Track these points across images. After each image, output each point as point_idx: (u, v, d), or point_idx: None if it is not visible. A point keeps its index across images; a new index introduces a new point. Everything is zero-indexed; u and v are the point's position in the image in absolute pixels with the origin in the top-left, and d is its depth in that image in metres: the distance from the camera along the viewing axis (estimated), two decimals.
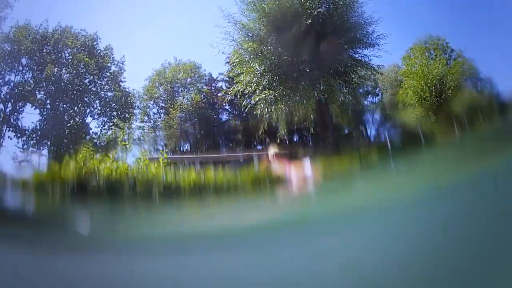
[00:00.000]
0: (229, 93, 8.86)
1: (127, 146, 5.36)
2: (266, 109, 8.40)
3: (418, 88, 10.99)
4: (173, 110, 27.23)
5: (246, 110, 9.18)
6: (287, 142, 21.48)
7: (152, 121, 29.27)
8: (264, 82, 8.09)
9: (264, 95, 7.81)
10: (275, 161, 6.86)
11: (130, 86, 33.15)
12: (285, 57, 7.72)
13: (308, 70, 7.48)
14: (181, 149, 26.26)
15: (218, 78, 26.30)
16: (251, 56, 8.18)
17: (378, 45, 8.30)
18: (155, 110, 29.17)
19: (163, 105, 29.01)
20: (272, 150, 7.34)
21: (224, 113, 28.99)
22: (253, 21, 8.02)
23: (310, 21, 7.58)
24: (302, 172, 6.11)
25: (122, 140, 5.40)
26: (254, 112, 8.76)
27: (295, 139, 23.85)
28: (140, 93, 27.99)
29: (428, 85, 10.82)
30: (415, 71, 11.35)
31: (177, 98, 28.38)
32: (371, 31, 8.30)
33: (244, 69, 8.54)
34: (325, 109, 8.61)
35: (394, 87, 16.71)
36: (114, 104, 22.55)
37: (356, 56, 8.66)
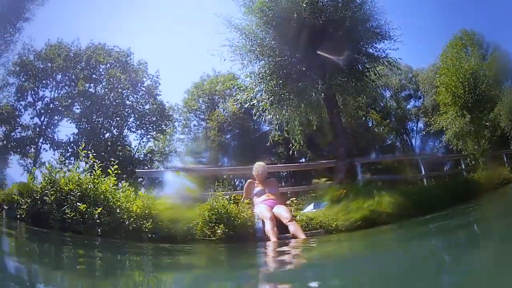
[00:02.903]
0: (237, 100, 8.27)
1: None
2: (269, 116, 7.68)
3: (451, 86, 9.53)
4: (211, 121, 27.47)
5: (256, 118, 8.47)
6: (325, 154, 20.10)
7: (192, 133, 29.89)
8: (264, 86, 7.41)
9: (258, 100, 7.12)
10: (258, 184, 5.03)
11: (170, 99, 34.67)
12: (284, 58, 6.96)
13: (304, 69, 6.61)
14: (221, 162, 26.08)
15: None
16: (251, 60, 7.58)
17: (391, 37, 7.11)
18: (195, 122, 29.83)
19: (202, 117, 29.50)
20: (257, 167, 5.17)
21: (265, 124, 28.16)
22: (252, 23, 7.43)
23: (308, 15, 6.75)
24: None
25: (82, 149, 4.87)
26: (255, 118, 8.06)
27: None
28: (179, 106, 28.82)
29: (461, 80, 9.32)
30: (447, 67, 9.88)
31: (217, 109, 28.64)
32: (383, 22, 7.18)
33: (247, 73, 7.97)
34: (335, 113, 7.61)
35: (434, 87, 14.97)
36: (149, 116, 23.33)
37: (370, 50, 7.55)
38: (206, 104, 29.48)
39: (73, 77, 19.61)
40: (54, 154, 18.93)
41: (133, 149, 24.16)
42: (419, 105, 23.03)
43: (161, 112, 24.24)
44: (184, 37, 41.10)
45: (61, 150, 18.98)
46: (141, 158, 24.39)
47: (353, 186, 6.35)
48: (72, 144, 19.11)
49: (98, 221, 3.52)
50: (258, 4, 6.88)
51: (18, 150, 18.55)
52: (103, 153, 20.45)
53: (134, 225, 3.64)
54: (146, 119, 23.00)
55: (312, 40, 6.94)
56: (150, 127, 24.14)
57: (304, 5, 6.43)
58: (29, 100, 19.31)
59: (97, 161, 4.18)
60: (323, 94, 6.56)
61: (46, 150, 19.44)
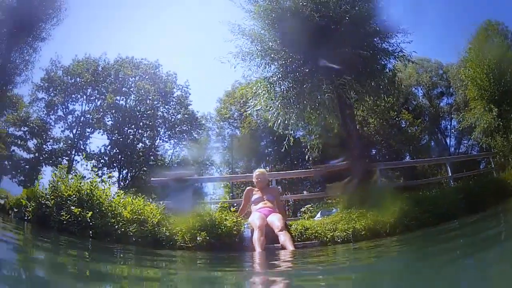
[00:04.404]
0: (252, 108, 8.18)
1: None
2: (279, 120, 7.57)
3: (476, 78, 8.80)
4: (243, 129, 27.50)
5: (270, 124, 8.31)
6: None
7: (226, 141, 30.15)
8: (273, 90, 7.34)
9: (265, 105, 7.04)
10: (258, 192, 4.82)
11: (203, 109, 35.14)
12: (289, 60, 6.84)
13: (308, 70, 6.42)
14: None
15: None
16: (260, 65, 7.54)
17: (403, 30, 6.71)
18: (229, 131, 30.10)
19: (236, 124, 29.71)
20: (257, 174, 4.98)
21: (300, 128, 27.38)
22: (256, 27, 7.38)
23: (310, 13, 6.59)
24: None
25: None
26: (269, 125, 7.97)
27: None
28: (212, 115, 29.25)
29: (486, 72, 8.57)
30: (471, 59, 9.16)
31: (249, 117, 28.72)
32: (393, 16, 6.82)
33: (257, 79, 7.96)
34: (347, 114, 7.30)
35: (463, 82, 13.98)
36: (181, 126, 23.92)
37: (383, 45, 7.18)
38: (239, 112, 29.64)
39: (103, 91, 20.63)
40: (86, 165, 19.98)
41: (167, 159, 24.95)
42: (452, 102, 21.64)
43: (192, 121, 24.70)
44: (214, 47, 42.16)
45: (93, 162, 19.94)
46: (174, 167, 25.05)
47: (365, 192, 5.95)
48: (103, 155, 20.07)
49: (90, 224, 3.73)
50: (258, 7, 6.83)
51: (51, 161, 19.58)
52: (136, 163, 21.41)
53: (123, 229, 3.78)
54: (177, 129, 23.58)
55: (316, 39, 6.73)
56: (181, 137, 24.70)
57: (304, 3, 6.27)
58: (59, 114, 20.47)
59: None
60: (326, 95, 6.31)
61: (78, 162, 20.40)
